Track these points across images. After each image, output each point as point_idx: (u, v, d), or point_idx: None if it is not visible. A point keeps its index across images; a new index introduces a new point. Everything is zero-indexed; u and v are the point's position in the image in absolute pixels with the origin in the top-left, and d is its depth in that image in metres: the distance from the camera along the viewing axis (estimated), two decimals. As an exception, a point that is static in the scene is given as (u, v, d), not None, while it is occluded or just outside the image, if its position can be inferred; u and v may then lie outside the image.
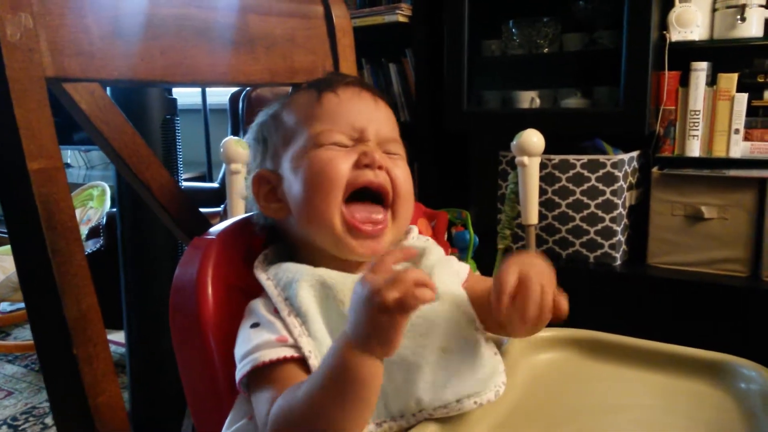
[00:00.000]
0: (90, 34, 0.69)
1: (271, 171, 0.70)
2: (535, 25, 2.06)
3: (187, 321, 0.68)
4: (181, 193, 0.81)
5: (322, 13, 0.98)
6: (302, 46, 0.94)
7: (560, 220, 1.96)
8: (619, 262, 1.93)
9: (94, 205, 2.78)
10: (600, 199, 1.89)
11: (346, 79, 0.71)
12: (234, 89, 2.54)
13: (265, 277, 0.66)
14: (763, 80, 1.83)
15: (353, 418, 0.53)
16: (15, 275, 2.25)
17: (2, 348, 2.55)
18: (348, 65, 1.00)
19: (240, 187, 1.46)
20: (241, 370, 0.60)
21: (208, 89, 3.03)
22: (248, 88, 2.40)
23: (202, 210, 0.84)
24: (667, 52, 1.85)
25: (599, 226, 1.91)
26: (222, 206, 2.04)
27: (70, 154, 3.87)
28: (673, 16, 1.85)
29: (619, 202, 1.88)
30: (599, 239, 1.92)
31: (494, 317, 0.60)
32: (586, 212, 1.92)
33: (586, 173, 1.90)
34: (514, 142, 1.62)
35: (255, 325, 0.62)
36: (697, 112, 1.87)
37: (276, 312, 0.62)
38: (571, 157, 1.91)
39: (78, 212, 2.75)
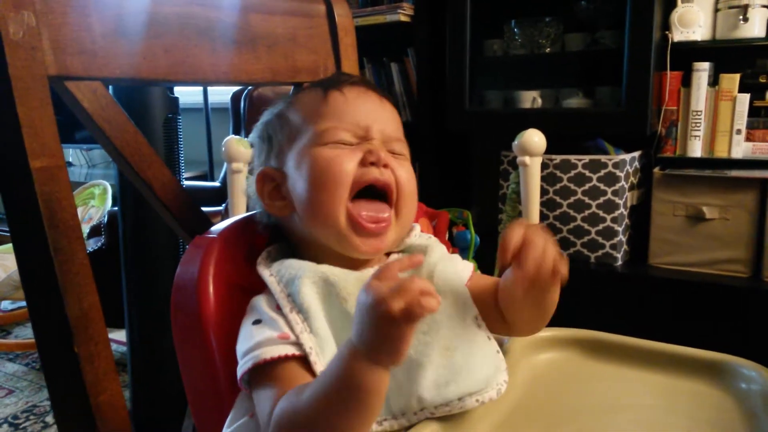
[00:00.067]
0: (92, 32, 0.69)
1: (275, 169, 0.70)
2: (537, 24, 2.06)
3: (188, 320, 0.68)
4: (182, 192, 0.81)
5: (324, 13, 0.98)
6: (304, 45, 0.94)
7: (561, 220, 1.96)
8: (620, 262, 1.93)
9: (95, 203, 2.78)
10: (601, 200, 1.89)
11: (352, 78, 0.72)
12: (236, 88, 2.55)
13: (267, 273, 0.66)
14: (765, 81, 1.83)
15: (357, 424, 0.53)
16: (16, 273, 2.26)
17: (3, 346, 2.55)
18: (350, 64, 1.00)
19: (241, 185, 1.46)
20: (242, 366, 0.59)
21: (209, 88, 3.03)
22: (250, 87, 2.41)
23: (203, 209, 0.84)
24: (669, 52, 1.85)
25: (600, 227, 1.91)
26: (223, 205, 2.04)
27: (71, 153, 3.87)
28: (675, 16, 1.84)
29: (621, 202, 1.88)
30: (600, 239, 1.92)
31: (500, 285, 0.62)
32: (587, 212, 1.92)
33: (587, 173, 1.89)
34: (515, 142, 1.62)
35: (257, 322, 0.62)
36: (699, 113, 1.86)
37: (278, 309, 0.62)
38: (572, 157, 1.91)
39: (79, 211, 2.75)
